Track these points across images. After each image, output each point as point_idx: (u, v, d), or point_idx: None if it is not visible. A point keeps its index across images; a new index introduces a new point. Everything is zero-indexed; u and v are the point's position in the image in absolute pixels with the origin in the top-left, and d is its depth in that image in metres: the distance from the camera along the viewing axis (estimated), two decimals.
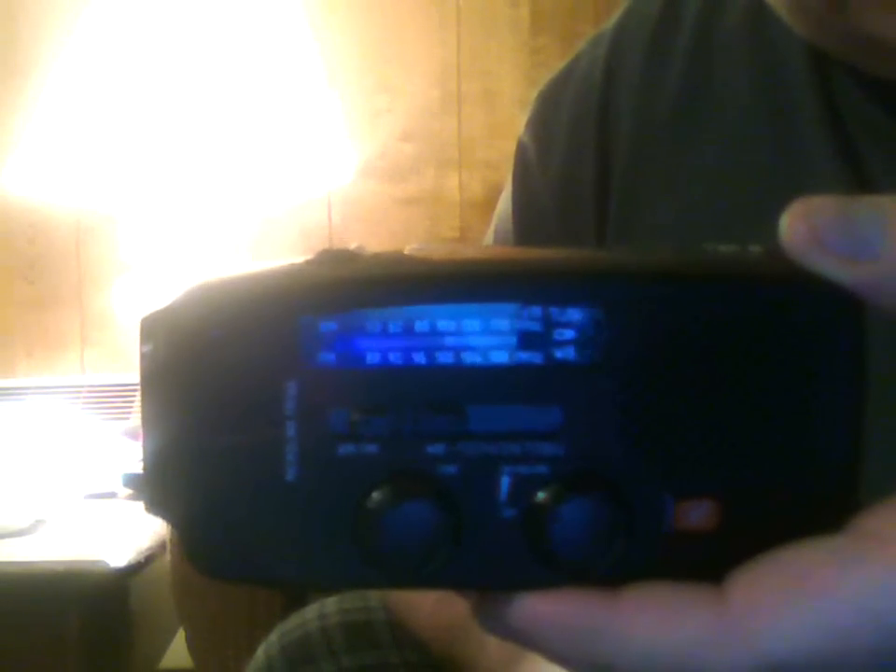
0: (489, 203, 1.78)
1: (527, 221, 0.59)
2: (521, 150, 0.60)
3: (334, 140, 1.49)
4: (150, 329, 0.25)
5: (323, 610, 0.66)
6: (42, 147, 1.40)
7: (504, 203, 0.61)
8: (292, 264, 0.25)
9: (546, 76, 0.61)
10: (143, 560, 1.28)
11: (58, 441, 1.50)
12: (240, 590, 1.30)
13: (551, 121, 0.58)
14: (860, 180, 0.46)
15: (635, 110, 0.54)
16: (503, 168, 1.80)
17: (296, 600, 1.17)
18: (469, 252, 0.27)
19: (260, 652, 0.65)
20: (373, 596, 0.68)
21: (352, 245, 0.26)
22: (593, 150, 0.55)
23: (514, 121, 1.82)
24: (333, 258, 0.25)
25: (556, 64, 0.60)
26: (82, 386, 1.74)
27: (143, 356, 0.25)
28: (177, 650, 1.47)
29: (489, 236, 0.63)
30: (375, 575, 0.25)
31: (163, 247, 1.51)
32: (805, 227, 0.24)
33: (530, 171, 0.59)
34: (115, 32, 1.38)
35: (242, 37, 1.39)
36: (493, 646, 0.55)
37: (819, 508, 0.25)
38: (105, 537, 1.33)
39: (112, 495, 1.47)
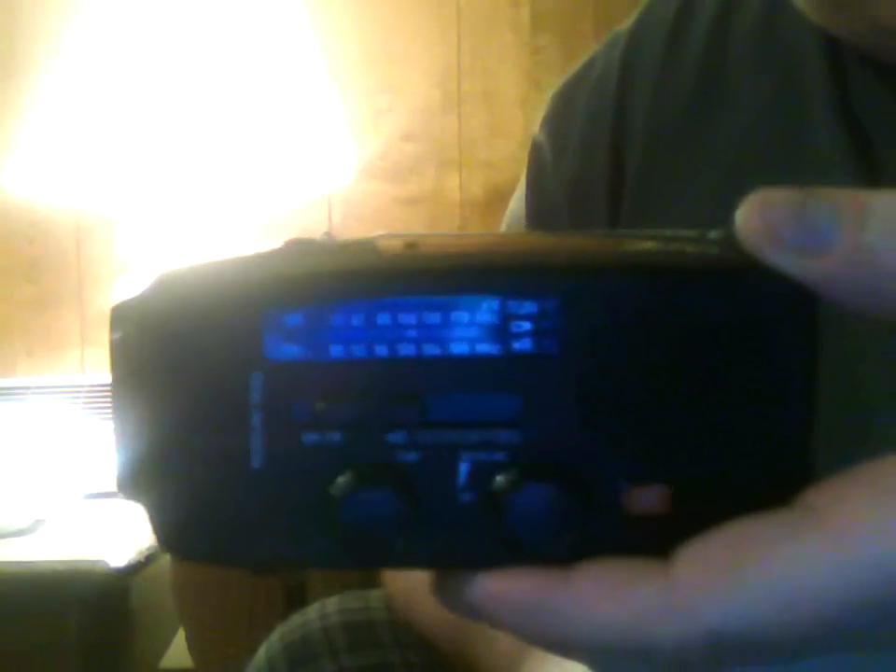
0: (489, 203, 1.78)
1: (541, 220, 0.59)
2: (535, 149, 0.60)
3: (335, 140, 1.48)
4: (120, 317, 0.25)
5: (324, 610, 0.66)
6: (42, 146, 1.40)
7: (516, 202, 0.61)
8: (260, 254, 0.26)
9: (547, 75, 0.61)
10: (143, 560, 1.28)
11: (58, 441, 1.50)
12: (240, 590, 1.30)
13: (566, 120, 0.58)
14: (873, 173, 0.46)
15: (649, 110, 0.54)
16: (503, 168, 1.81)
17: (297, 600, 1.17)
18: (433, 241, 0.27)
19: (262, 652, 0.65)
20: (374, 596, 0.68)
21: (321, 234, 0.26)
22: (607, 150, 0.55)
23: (515, 121, 1.82)
24: (300, 248, 0.26)
25: (557, 64, 0.60)
26: (82, 386, 1.74)
27: (112, 343, 0.25)
28: (177, 650, 1.47)
29: None
30: (340, 556, 0.26)
31: (163, 247, 1.51)
32: (760, 220, 0.25)
33: (545, 170, 0.59)
34: (114, 31, 1.38)
35: (242, 37, 1.39)
36: (502, 642, 0.55)
37: (771, 492, 0.25)
38: (105, 537, 1.34)
39: (112, 495, 1.47)
